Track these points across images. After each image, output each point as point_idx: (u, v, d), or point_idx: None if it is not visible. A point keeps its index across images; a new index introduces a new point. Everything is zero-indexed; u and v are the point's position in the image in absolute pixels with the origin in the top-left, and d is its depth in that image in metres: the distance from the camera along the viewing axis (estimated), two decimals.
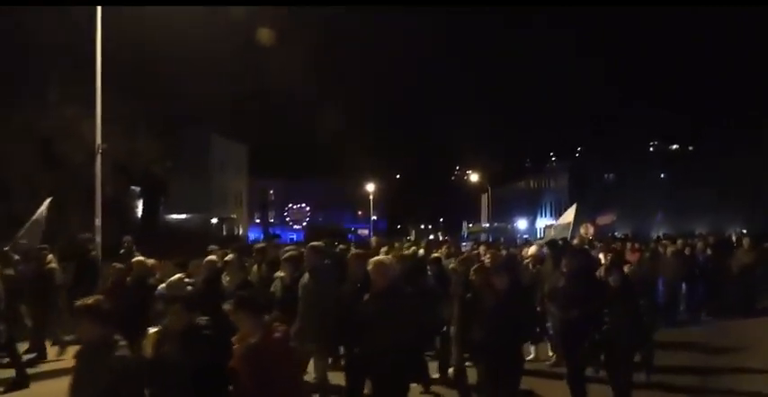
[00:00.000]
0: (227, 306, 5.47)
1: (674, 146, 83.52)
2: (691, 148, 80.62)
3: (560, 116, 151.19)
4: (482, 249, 13.35)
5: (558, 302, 8.10)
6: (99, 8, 15.27)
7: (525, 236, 46.53)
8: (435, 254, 11.10)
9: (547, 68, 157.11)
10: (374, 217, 65.88)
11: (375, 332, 5.71)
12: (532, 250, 12.20)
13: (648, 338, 8.43)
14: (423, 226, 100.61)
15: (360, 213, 79.80)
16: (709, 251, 16.15)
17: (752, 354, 10.78)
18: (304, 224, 19.63)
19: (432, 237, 58.07)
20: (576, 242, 14.25)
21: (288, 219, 20.77)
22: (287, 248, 9.16)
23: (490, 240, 44.01)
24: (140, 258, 9.39)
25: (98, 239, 14.90)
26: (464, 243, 27.02)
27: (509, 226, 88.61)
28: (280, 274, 8.19)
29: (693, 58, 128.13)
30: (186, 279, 8.11)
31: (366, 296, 6.08)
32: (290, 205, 21.03)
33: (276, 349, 4.53)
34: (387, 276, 6.04)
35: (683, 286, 14.91)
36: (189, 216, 47.09)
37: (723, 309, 14.93)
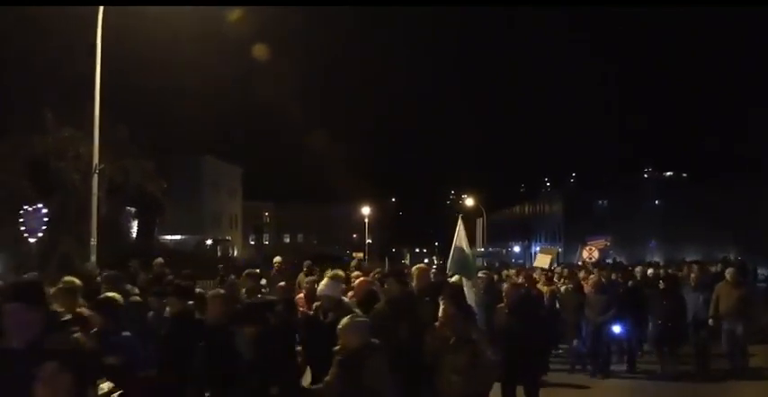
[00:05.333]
0: None
1: (669, 173, 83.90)
2: (685, 175, 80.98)
3: (556, 142, 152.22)
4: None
5: None
6: (100, 17, 15.31)
7: (520, 261, 46.48)
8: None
9: (544, 96, 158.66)
10: (369, 241, 65.72)
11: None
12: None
13: None
14: (417, 250, 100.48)
15: (355, 236, 79.65)
16: (661, 285, 11.93)
17: None
18: (40, 235, 15.38)
19: (426, 261, 57.75)
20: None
21: (23, 228, 16.35)
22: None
23: (484, 264, 43.98)
24: None
25: (93, 259, 14.83)
26: None
27: (504, 251, 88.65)
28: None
29: (689, 86, 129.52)
30: None
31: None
32: (25, 207, 16.54)
33: None
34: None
35: (614, 327, 11.26)
36: (184, 237, 46.93)
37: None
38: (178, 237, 46.53)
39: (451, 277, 10.14)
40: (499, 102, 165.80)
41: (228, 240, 57.64)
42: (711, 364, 11.04)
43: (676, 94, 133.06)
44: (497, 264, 42.75)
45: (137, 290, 8.33)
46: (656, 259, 45.33)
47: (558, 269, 17.79)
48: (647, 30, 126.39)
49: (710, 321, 10.92)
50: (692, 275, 12.60)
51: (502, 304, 7.70)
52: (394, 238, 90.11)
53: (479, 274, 11.47)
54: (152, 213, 33.41)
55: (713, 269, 16.65)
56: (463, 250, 10.49)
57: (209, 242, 49.85)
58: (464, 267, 10.39)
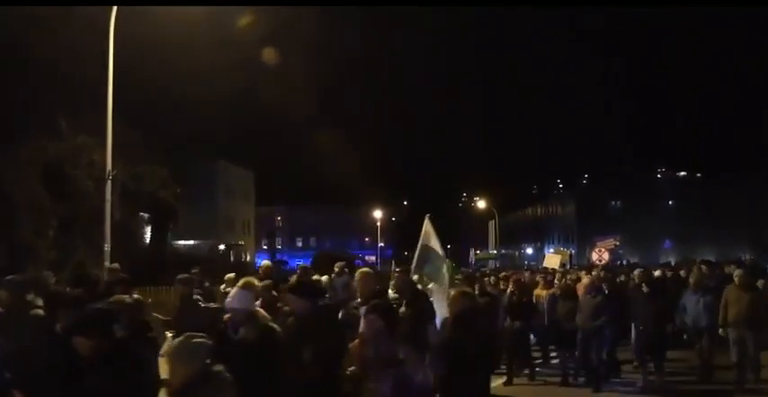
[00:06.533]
0: None
1: (683, 173, 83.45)
2: (699, 175, 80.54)
3: (568, 143, 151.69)
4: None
5: None
6: (113, 18, 15.40)
7: (533, 263, 46.33)
8: None
9: (555, 96, 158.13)
10: (381, 244, 65.78)
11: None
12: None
13: None
14: None
15: (367, 239, 79.77)
16: (644, 288, 10.40)
17: None
18: None
19: None
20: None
21: None
22: None
23: (496, 266, 44.01)
24: None
25: (107, 264, 14.93)
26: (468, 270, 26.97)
27: (516, 253, 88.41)
28: None
29: (703, 84, 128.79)
30: None
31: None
32: None
33: None
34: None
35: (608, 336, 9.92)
36: (197, 242, 47.12)
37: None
38: (191, 242, 46.74)
39: (417, 282, 8.84)
40: (510, 104, 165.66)
41: (241, 244, 57.85)
42: (716, 376, 10.03)
43: (679, 94, 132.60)
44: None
45: (40, 301, 7.50)
46: (671, 259, 45.04)
47: (571, 271, 17.56)
48: (648, 30, 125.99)
49: (720, 330, 9.76)
50: (692, 276, 11.29)
51: (448, 315, 6.50)
52: (406, 241, 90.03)
53: (457, 278, 10.55)
54: (165, 218, 33.58)
55: (727, 269, 14.97)
56: (434, 250, 9.08)
57: (221, 247, 50.04)
58: (436, 271, 8.98)
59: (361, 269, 7.62)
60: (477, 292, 11.58)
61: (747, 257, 46.74)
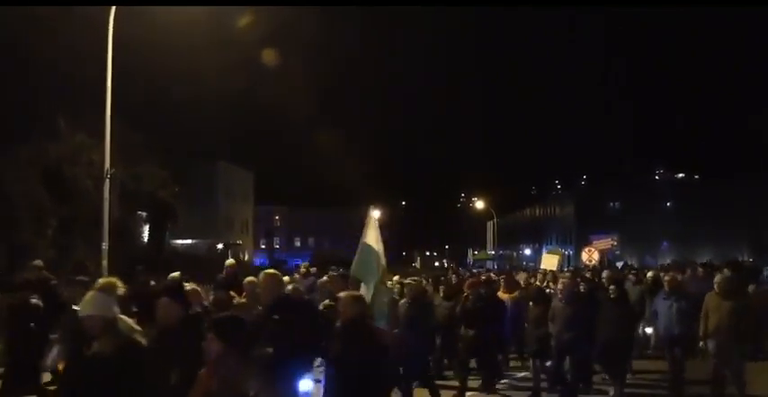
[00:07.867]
0: None
1: (681, 175, 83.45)
2: (697, 176, 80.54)
3: (567, 143, 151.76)
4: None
5: None
6: (111, 18, 15.43)
7: (531, 264, 46.38)
8: None
9: (555, 96, 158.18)
10: None
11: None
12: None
13: None
14: (428, 253, 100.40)
15: None
16: (612, 292, 9.24)
17: None
18: None
19: (436, 264, 57.82)
20: None
21: None
22: None
23: (495, 267, 44.12)
24: None
25: (104, 263, 15.00)
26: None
27: (515, 254, 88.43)
28: None
29: (703, 84, 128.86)
30: None
31: None
32: None
33: None
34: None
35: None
36: (195, 241, 47.14)
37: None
38: (189, 241, 46.77)
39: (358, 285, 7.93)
40: (510, 104, 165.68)
41: (239, 244, 57.91)
42: (692, 390, 9.08)
43: (679, 94, 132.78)
44: (507, 266, 42.55)
45: None
46: (669, 261, 45.07)
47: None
48: (648, 30, 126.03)
49: (701, 343, 8.72)
50: (666, 278, 10.12)
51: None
52: (404, 241, 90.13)
53: (408, 280, 9.82)
54: (163, 217, 33.64)
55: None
56: (371, 247, 7.93)
57: (219, 246, 50.10)
58: (368, 269, 7.87)
59: (265, 271, 6.58)
60: (441, 294, 10.91)
61: (746, 258, 46.75)
